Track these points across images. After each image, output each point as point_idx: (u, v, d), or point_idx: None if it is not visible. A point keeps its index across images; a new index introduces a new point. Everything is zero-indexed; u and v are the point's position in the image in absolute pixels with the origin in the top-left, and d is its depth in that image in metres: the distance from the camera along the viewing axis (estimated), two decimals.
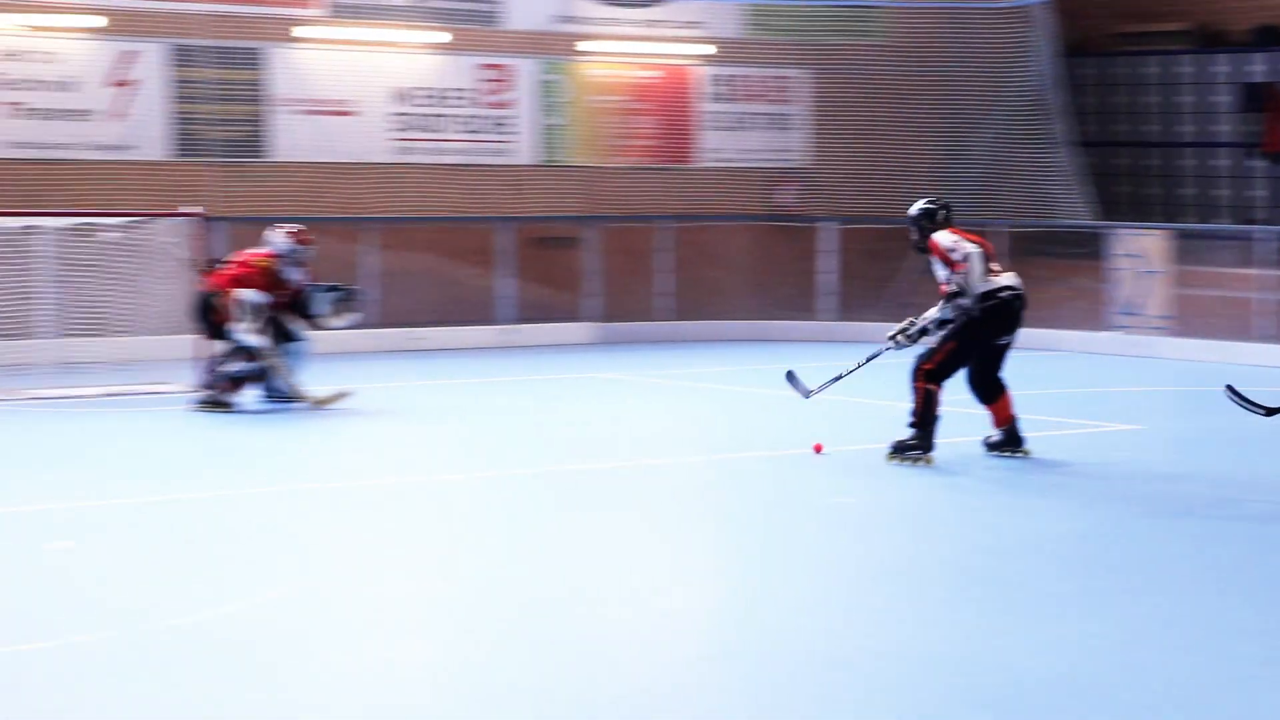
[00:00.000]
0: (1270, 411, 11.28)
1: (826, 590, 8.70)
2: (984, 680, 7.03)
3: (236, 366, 14.68)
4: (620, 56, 23.00)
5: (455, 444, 13.64)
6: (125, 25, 19.83)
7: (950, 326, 12.33)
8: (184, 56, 20.22)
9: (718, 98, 23.54)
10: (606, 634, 7.79)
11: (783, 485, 11.79)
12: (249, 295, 14.54)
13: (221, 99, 20.46)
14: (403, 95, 21.61)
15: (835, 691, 6.89)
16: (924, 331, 12.44)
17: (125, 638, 7.56)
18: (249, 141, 20.66)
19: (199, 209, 17.10)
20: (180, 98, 20.25)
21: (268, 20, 20.72)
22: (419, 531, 10.21)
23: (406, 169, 21.61)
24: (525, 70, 22.39)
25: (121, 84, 19.86)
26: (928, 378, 12.24)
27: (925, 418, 12.21)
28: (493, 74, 22.20)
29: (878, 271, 21.62)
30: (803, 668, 7.20)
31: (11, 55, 19.22)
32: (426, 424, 14.55)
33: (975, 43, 23.75)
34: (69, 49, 19.54)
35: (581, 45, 22.66)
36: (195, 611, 8.02)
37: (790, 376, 13.27)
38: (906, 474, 11.93)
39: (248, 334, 14.54)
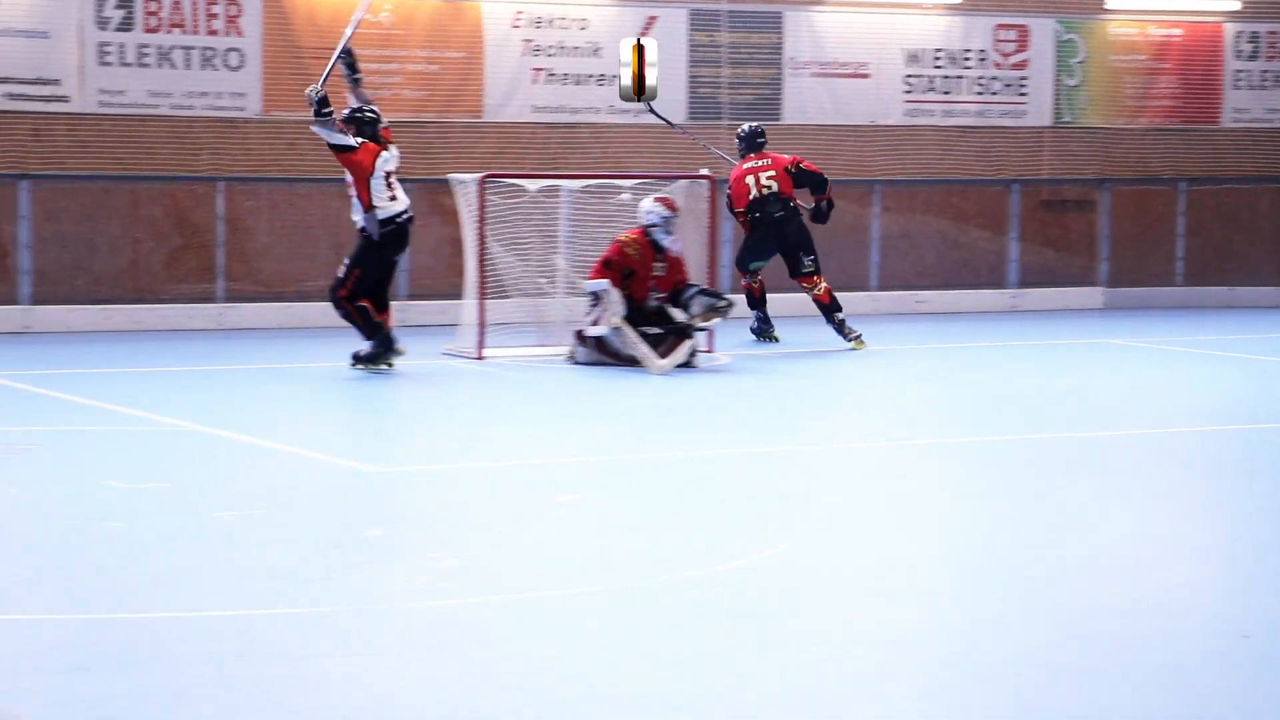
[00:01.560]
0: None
1: None
2: None
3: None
4: (1142, 14, 22.36)
5: (955, 407, 13.53)
6: None
7: (354, 254, 14.55)
8: (703, 20, 20.56)
9: (1245, 55, 22.66)
10: (1114, 606, 7.60)
11: None
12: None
13: (738, 62, 20.73)
14: (917, 57, 21.50)
15: None
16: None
17: (617, 591, 7.76)
18: (763, 104, 20.87)
19: (709, 172, 17.41)
20: (697, 61, 20.61)
21: None
22: (917, 494, 10.17)
23: (917, 130, 21.49)
24: (1043, 30, 21.98)
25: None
26: (350, 299, 14.43)
27: (369, 328, 14.41)
28: (1010, 34, 21.86)
29: None
30: None
31: (537, 22, 19.89)
32: (925, 386, 14.48)
33: None
34: (592, 15, 20.10)
35: (1105, 3, 22.10)
36: (692, 567, 8.16)
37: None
38: None
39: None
